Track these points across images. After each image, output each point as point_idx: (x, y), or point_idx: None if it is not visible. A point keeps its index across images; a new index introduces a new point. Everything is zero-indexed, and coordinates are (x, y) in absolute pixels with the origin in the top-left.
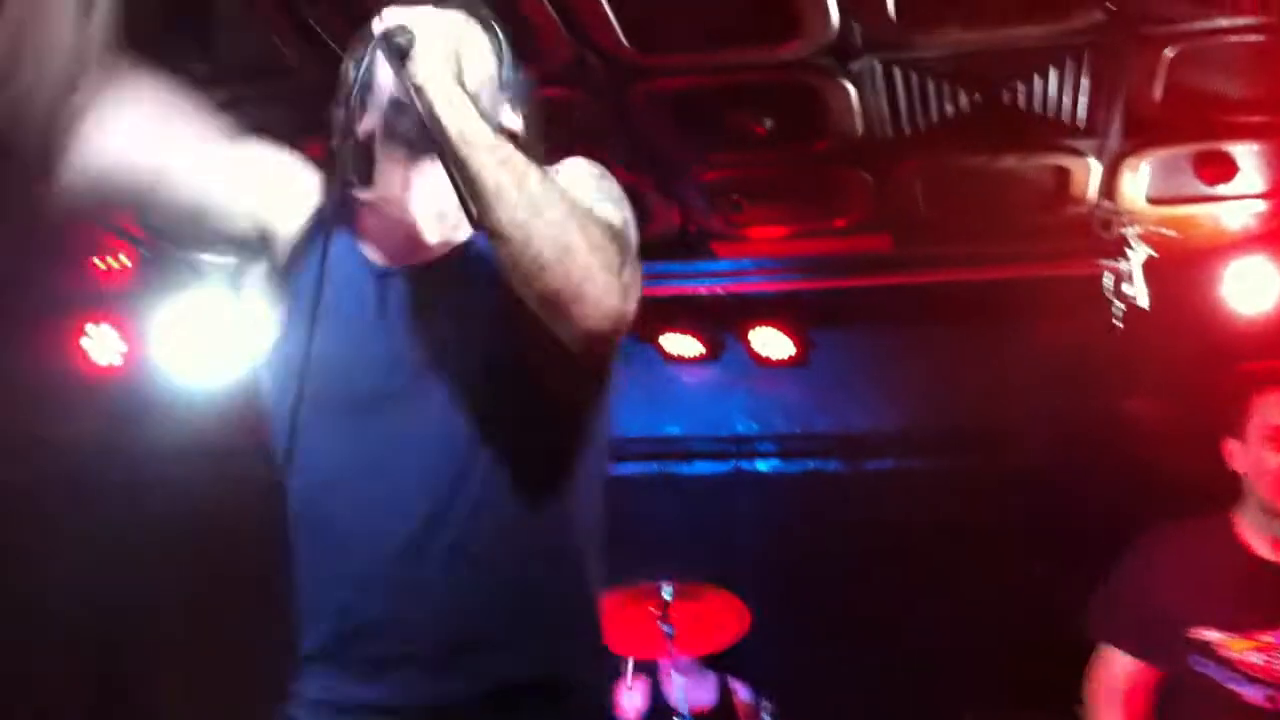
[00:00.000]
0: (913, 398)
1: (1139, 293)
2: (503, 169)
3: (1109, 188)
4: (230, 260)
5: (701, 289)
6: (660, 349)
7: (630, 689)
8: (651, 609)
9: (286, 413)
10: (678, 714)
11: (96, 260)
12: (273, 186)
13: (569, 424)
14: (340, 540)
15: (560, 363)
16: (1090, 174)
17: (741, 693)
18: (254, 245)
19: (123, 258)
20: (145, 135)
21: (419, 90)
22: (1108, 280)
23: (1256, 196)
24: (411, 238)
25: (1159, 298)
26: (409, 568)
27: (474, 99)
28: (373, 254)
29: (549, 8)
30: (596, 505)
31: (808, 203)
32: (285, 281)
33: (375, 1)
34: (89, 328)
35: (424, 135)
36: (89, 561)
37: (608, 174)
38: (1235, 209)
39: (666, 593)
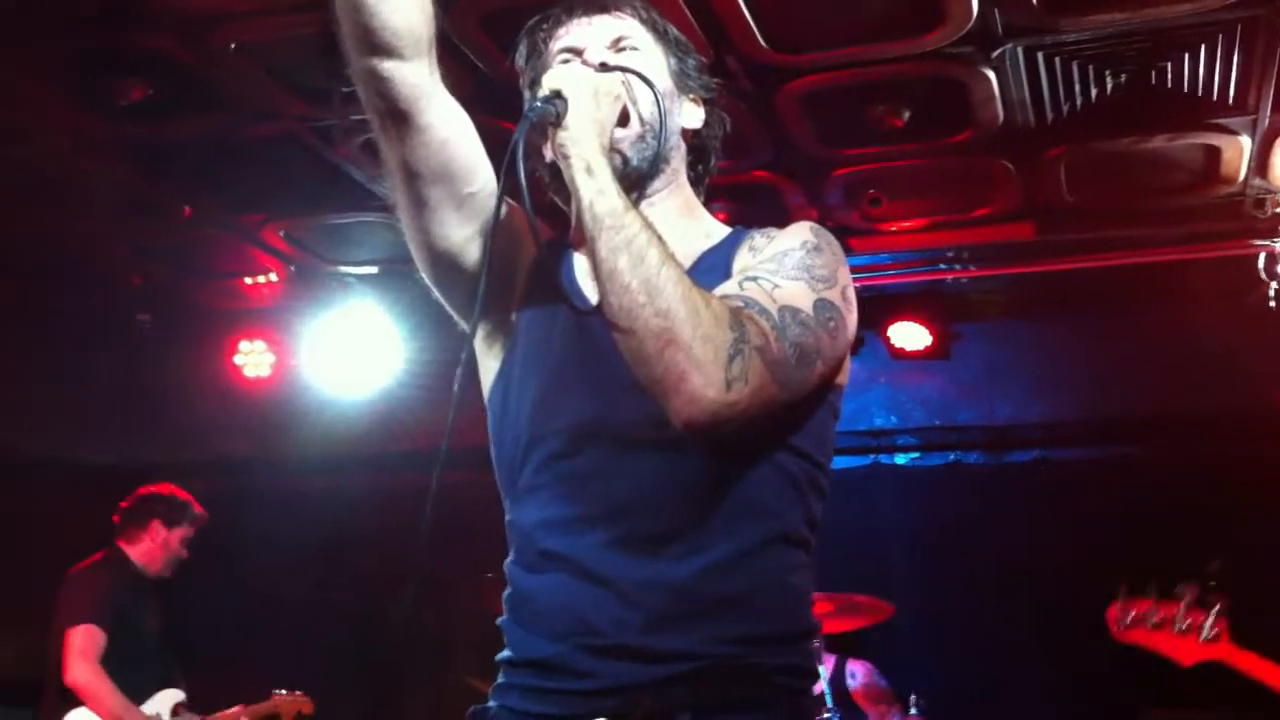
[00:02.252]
0: (1058, 387)
1: None
2: (622, 251)
3: (1261, 165)
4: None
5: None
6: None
7: None
8: None
9: (516, 449)
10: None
11: (247, 278)
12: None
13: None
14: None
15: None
16: (1242, 152)
17: (861, 675)
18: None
19: (271, 275)
20: (463, 122)
21: (564, 157)
22: (1262, 261)
23: None
24: None
25: None
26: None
27: (614, 165)
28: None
29: (687, 12)
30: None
31: (948, 194)
32: (502, 315)
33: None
34: (242, 344)
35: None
36: (245, 570)
37: (825, 245)
38: None
39: None
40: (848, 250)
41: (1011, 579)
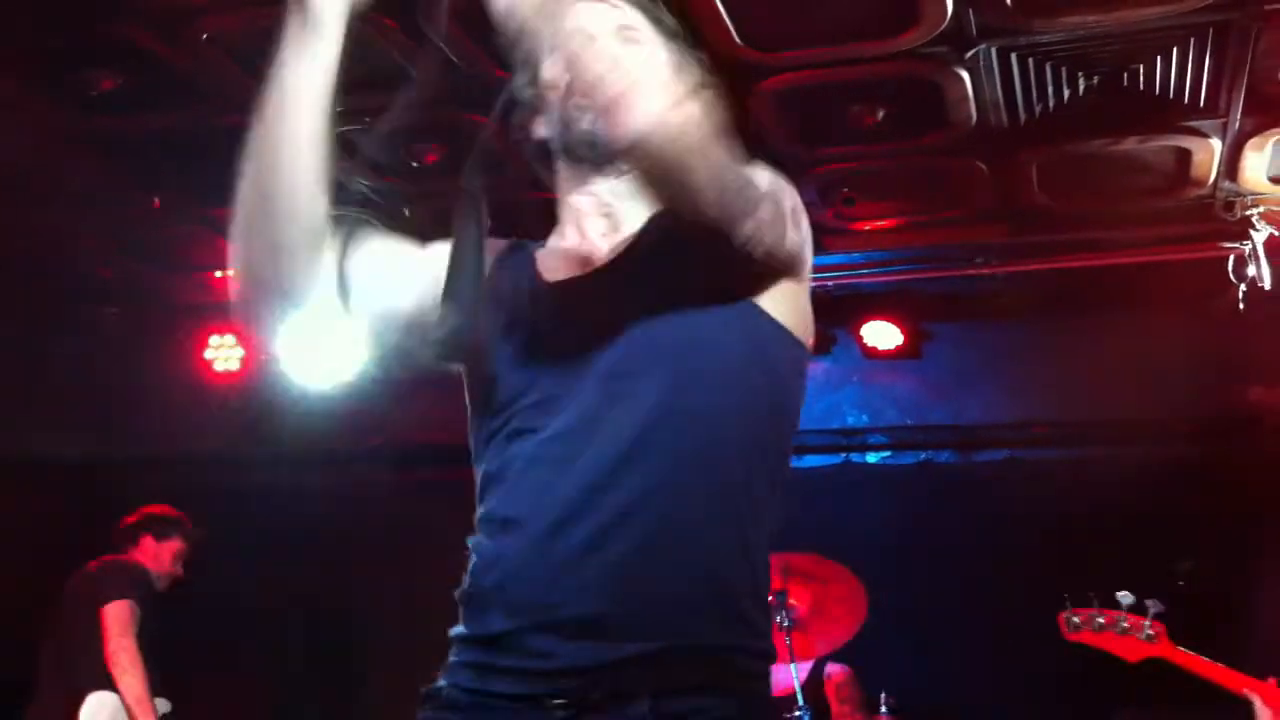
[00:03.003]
0: (1028, 388)
1: (1263, 274)
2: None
3: (1231, 168)
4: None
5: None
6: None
7: None
8: None
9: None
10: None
11: (217, 270)
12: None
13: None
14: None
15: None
16: (1213, 155)
17: (836, 674)
18: None
19: None
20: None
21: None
22: (1231, 263)
23: None
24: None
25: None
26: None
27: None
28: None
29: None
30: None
31: (921, 194)
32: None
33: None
34: (212, 338)
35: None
36: (216, 565)
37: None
38: None
39: None
40: (821, 249)
41: (981, 578)
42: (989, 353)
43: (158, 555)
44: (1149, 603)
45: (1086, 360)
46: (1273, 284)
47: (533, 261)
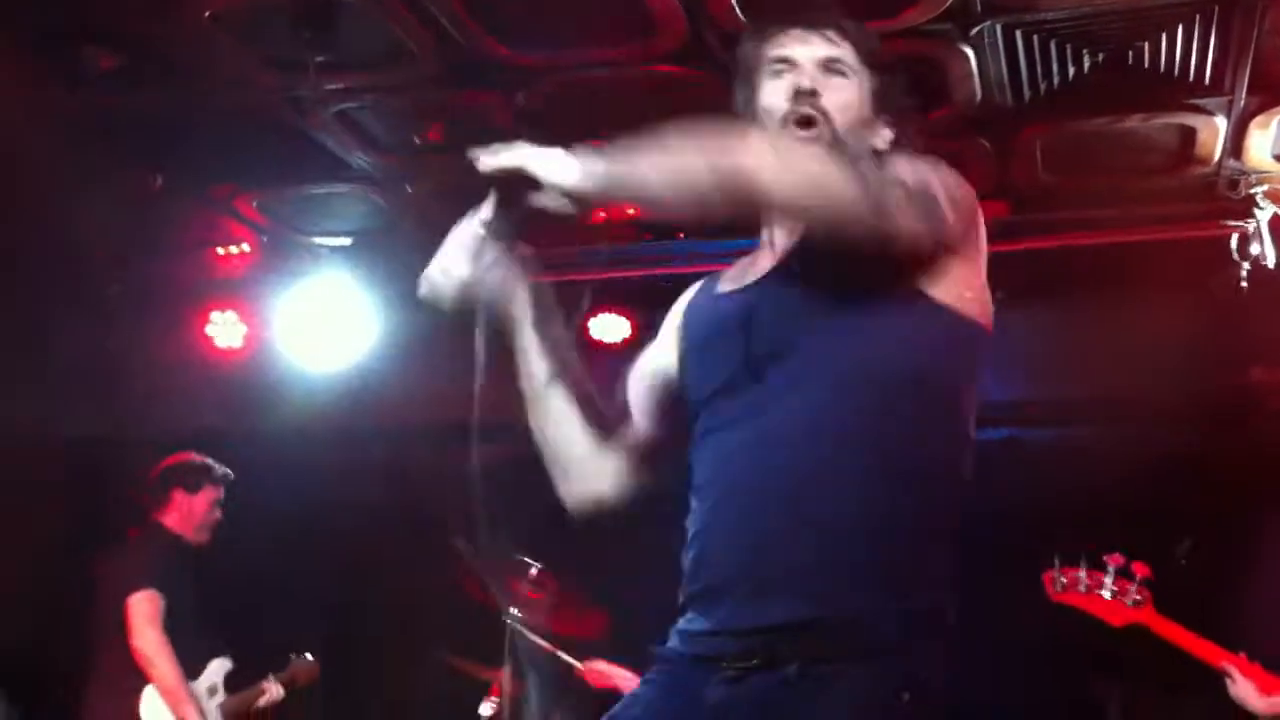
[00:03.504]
0: (1030, 367)
1: (1267, 252)
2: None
3: (1236, 146)
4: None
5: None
6: None
7: None
8: None
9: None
10: None
11: (219, 248)
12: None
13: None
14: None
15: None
16: (1217, 133)
17: None
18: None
19: (243, 245)
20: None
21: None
22: (1234, 241)
23: None
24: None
25: None
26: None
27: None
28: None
29: None
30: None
31: None
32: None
33: None
34: (214, 315)
35: None
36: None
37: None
38: None
39: None
40: None
41: (976, 554)
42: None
43: (191, 510)
44: (1136, 568)
45: (1087, 339)
46: (1276, 263)
47: (717, 281)
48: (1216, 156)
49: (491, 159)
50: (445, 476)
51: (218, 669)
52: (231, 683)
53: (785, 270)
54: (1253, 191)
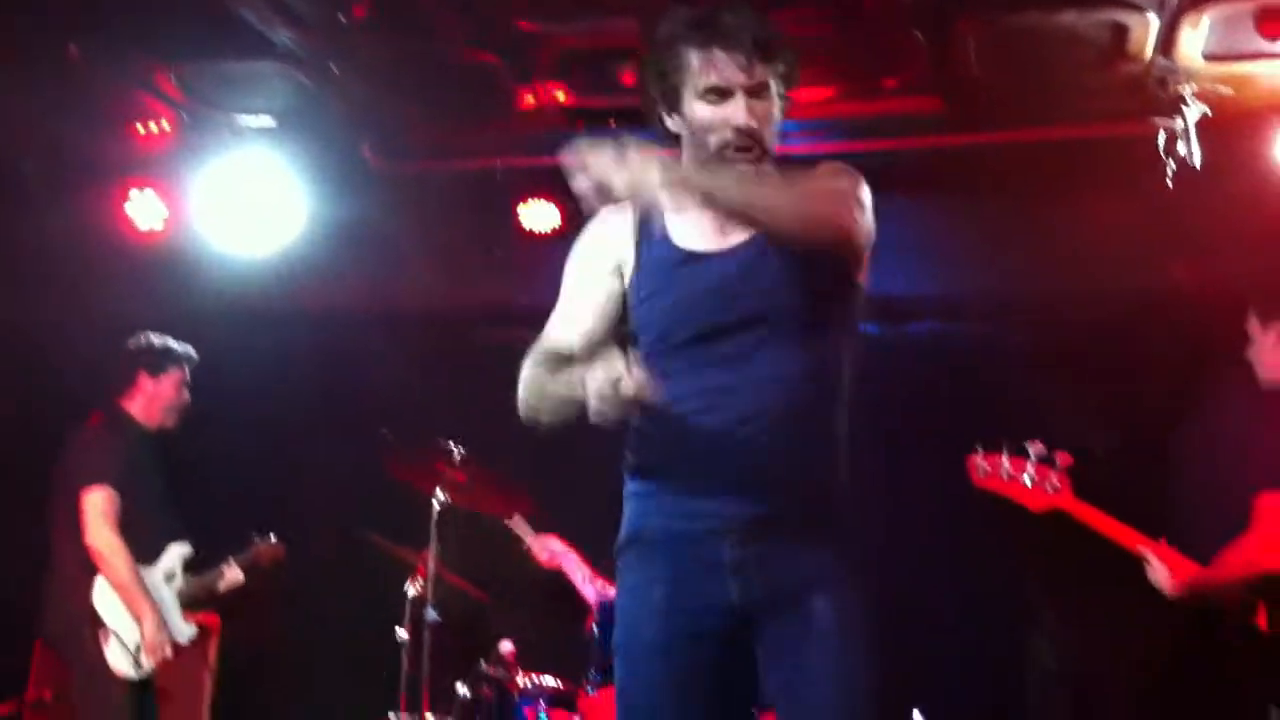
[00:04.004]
0: (959, 262)
1: (1192, 151)
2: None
3: (1166, 44)
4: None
5: None
6: None
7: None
8: None
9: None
10: None
11: (138, 125)
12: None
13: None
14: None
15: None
16: (1149, 30)
17: None
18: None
19: (163, 122)
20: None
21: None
22: (1162, 140)
23: None
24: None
25: (1210, 159)
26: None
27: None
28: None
29: None
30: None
31: (856, 63)
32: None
33: None
34: (133, 194)
35: None
36: None
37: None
38: None
39: None
40: None
41: (902, 446)
42: (917, 227)
43: (156, 394)
44: (1058, 455)
45: (1014, 234)
46: (1202, 162)
47: (665, 230)
48: (1147, 54)
49: (585, 176)
50: (371, 362)
51: (175, 554)
52: (190, 567)
53: (757, 248)
54: (1181, 90)
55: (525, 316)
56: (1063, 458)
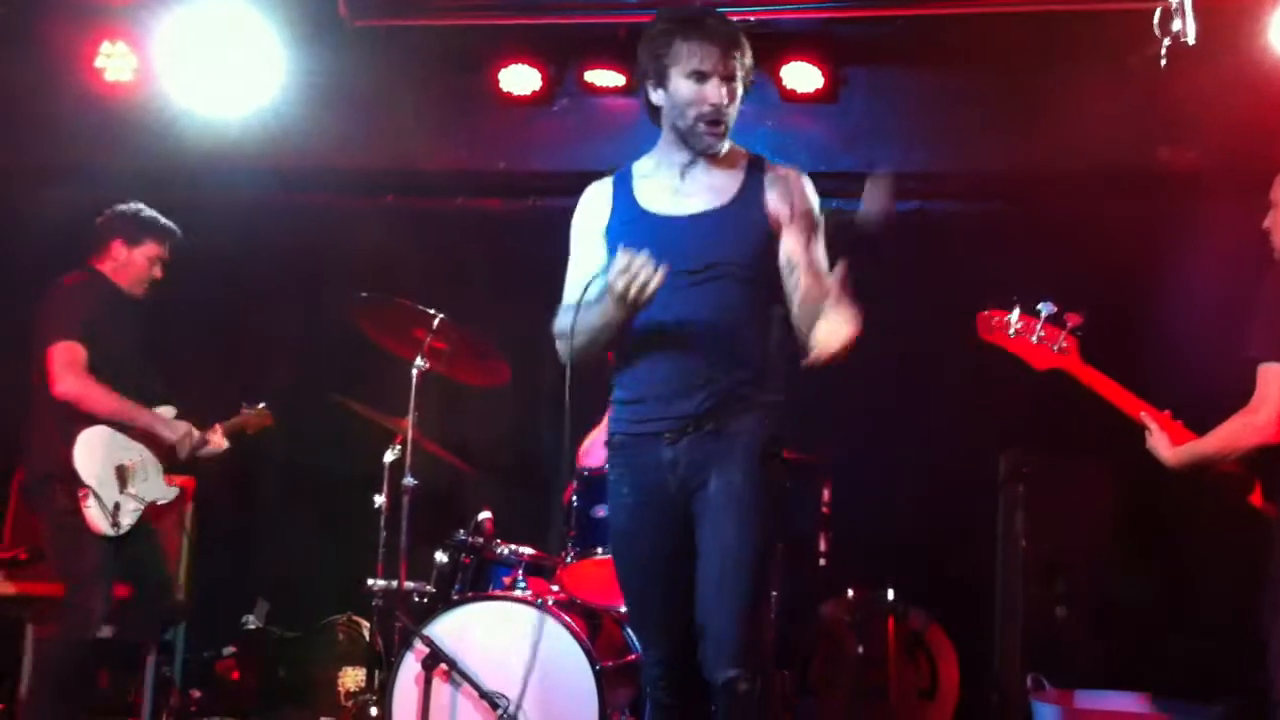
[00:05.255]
0: (940, 139)
1: (1188, 28)
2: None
3: None
4: None
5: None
6: None
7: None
8: None
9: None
10: None
11: None
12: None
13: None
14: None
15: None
16: None
17: None
18: None
19: None
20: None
21: None
22: (1157, 16)
23: None
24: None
25: (1204, 40)
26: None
27: None
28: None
29: None
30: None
31: None
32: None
33: None
34: (104, 46)
35: None
36: None
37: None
38: None
39: None
40: None
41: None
42: (906, 101)
43: (129, 262)
44: (1068, 316)
45: (1002, 112)
46: (1197, 40)
47: (632, 192)
48: None
49: None
50: (347, 223)
51: (165, 412)
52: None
53: (710, 218)
54: None
55: (504, 184)
56: (1072, 318)
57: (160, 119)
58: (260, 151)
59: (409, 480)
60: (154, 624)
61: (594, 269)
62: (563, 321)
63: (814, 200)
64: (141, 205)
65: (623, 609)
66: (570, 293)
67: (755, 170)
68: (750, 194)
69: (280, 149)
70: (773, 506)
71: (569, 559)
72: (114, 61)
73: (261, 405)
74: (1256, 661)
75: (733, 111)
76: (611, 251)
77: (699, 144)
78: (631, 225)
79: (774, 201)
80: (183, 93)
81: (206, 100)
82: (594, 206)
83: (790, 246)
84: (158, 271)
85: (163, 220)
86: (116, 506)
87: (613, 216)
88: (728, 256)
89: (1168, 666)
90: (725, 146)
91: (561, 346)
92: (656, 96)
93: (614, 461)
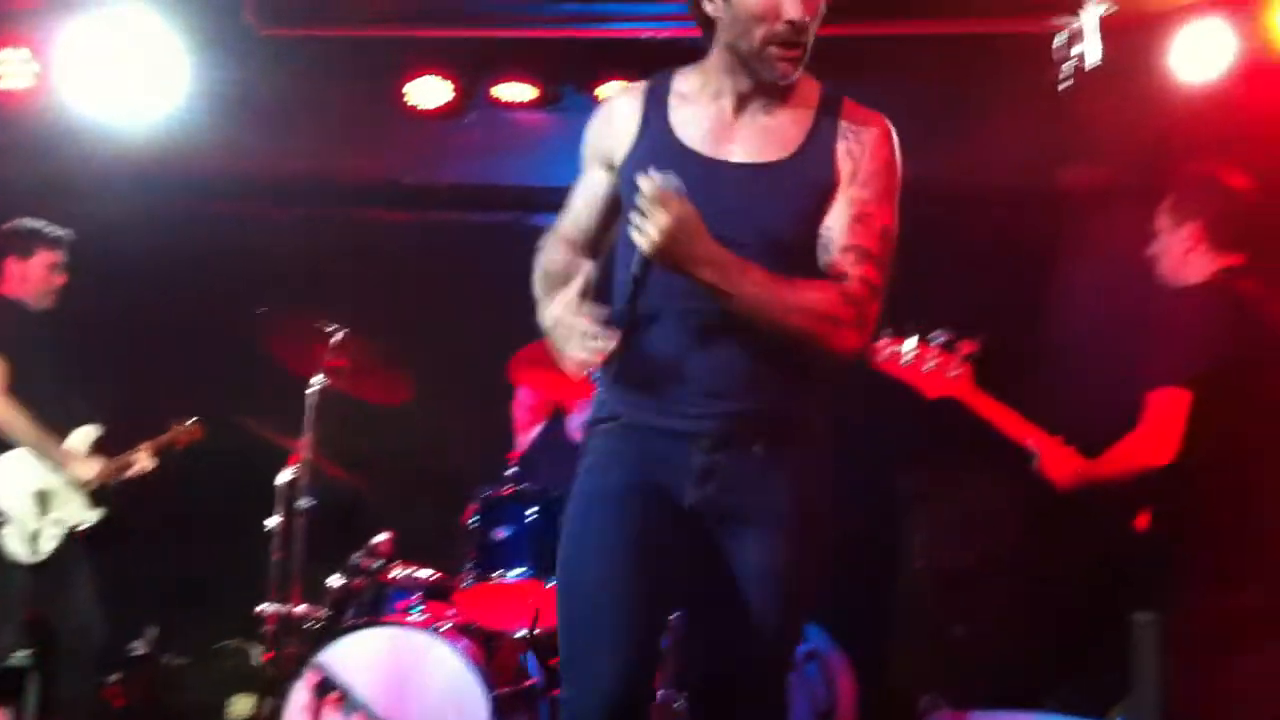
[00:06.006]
0: None
1: (1091, 51)
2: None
3: None
4: None
5: (642, 32)
6: (596, 100)
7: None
8: None
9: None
10: None
11: None
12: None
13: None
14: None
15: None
16: None
17: None
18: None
19: None
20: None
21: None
22: (1060, 39)
23: None
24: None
25: (1108, 62)
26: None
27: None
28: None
29: None
30: None
31: None
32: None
33: None
34: (4, 52)
35: None
36: None
37: (897, 160)
38: None
39: None
40: None
41: None
42: None
43: (25, 276)
44: (962, 344)
45: (914, 131)
46: (1102, 63)
47: (667, 116)
48: None
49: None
50: (251, 235)
51: (82, 437)
52: (101, 450)
53: (771, 173)
54: None
55: (413, 196)
56: (966, 345)
57: (62, 127)
58: (164, 160)
59: (304, 501)
60: (73, 666)
61: (584, 206)
62: (539, 265)
63: (891, 159)
64: (23, 219)
65: (519, 633)
66: (562, 216)
67: (829, 112)
68: (819, 146)
69: (185, 158)
70: (815, 582)
71: (466, 582)
72: (13, 68)
73: (192, 420)
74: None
75: (813, 31)
76: (628, 190)
77: (768, 72)
78: (662, 161)
79: (844, 154)
80: (85, 100)
81: (110, 108)
82: (616, 123)
83: (833, 220)
84: (58, 278)
85: (48, 227)
86: (36, 533)
87: (639, 142)
88: (783, 229)
89: (1064, 685)
90: (796, 76)
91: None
92: (711, 6)
93: (602, 447)
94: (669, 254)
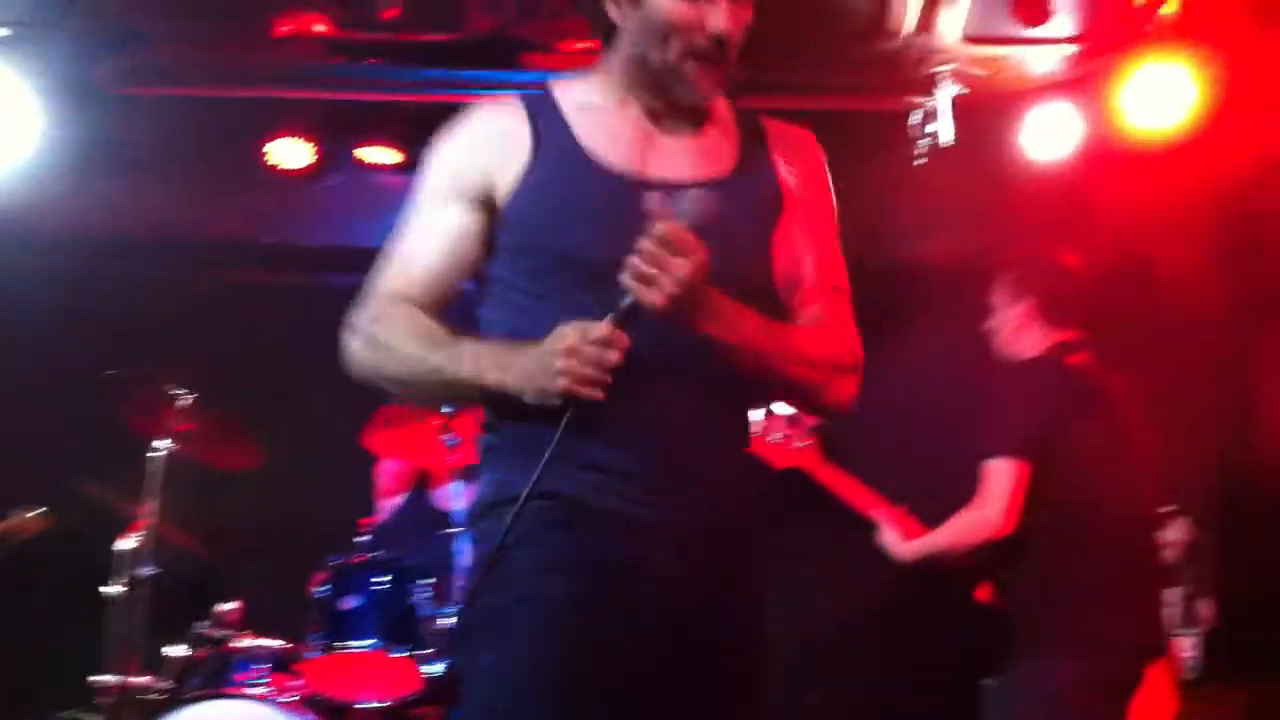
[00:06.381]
0: None
1: (944, 130)
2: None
3: (926, 21)
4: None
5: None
6: None
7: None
8: (434, 421)
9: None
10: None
11: None
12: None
13: None
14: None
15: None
16: (909, 6)
17: None
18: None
19: None
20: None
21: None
22: (915, 117)
23: (1066, 41)
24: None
25: (960, 141)
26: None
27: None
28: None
29: None
30: None
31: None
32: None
33: None
34: None
35: None
36: None
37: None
38: (1044, 53)
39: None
40: (520, 67)
41: None
42: None
43: None
44: (806, 417)
45: None
46: (954, 141)
47: (570, 132)
48: (907, 31)
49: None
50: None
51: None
52: None
53: (715, 191)
54: (936, 69)
55: (272, 258)
56: (811, 418)
57: None
58: (13, 217)
59: (146, 570)
60: None
61: (456, 257)
62: (370, 331)
63: (828, 178)
64: None
65: (366, 705)
66: (394, 270)
67: (751, 126)
68: (756, 161)
69: (36, 215)
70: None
71: (313, 652)
72: None
73: (40, 510)
74: None
75: (739, 31)
76: (521, 226)
77: (683, 91)
78: (577, 185)
79: (786, 174)
80: None
81: None
82: (494, 147)
83: (799, 251)
84: None
85: None
86: None
87: (535, 166)
88: (740, 253)
89: None
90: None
91: (363, 357)
92: (616, 11)
93: (544, 541)
94: (684, 308)
